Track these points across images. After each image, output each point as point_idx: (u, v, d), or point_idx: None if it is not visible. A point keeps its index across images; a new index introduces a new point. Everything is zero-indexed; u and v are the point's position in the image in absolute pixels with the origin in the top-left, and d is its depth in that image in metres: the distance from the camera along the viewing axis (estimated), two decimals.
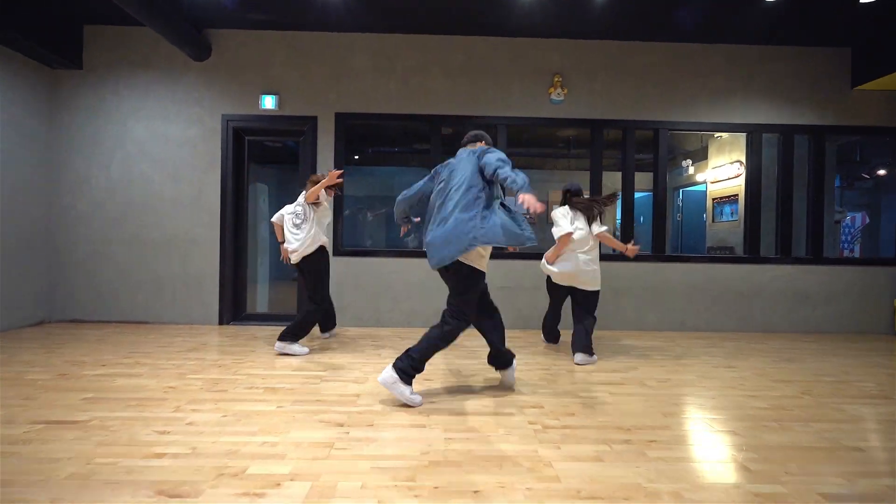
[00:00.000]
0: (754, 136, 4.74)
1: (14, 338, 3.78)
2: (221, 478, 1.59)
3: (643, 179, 5.77)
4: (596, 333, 4.33)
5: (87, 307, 4.54)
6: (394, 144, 7.16)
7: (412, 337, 4.05)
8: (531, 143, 7.61)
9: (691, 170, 7.40)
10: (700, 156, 7.19)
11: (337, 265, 4.58)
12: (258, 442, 1.88)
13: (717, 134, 6.40)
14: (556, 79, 4.62)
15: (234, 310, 4.67)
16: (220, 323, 4.57)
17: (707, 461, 1.82)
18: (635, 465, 1.74)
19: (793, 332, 4.59)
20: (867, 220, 6.07)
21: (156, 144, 4.57)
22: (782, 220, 4.72)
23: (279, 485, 1.55)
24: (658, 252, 4.70)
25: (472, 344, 3.83)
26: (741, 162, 6.02)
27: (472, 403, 2.40)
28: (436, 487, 1.55)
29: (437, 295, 4.49)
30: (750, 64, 4.69)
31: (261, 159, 7.07)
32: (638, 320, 4.64)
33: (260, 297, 5.57)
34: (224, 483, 1.56)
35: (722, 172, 6.39)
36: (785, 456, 1.85)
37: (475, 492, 1.53)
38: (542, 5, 3.99)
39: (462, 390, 2.61)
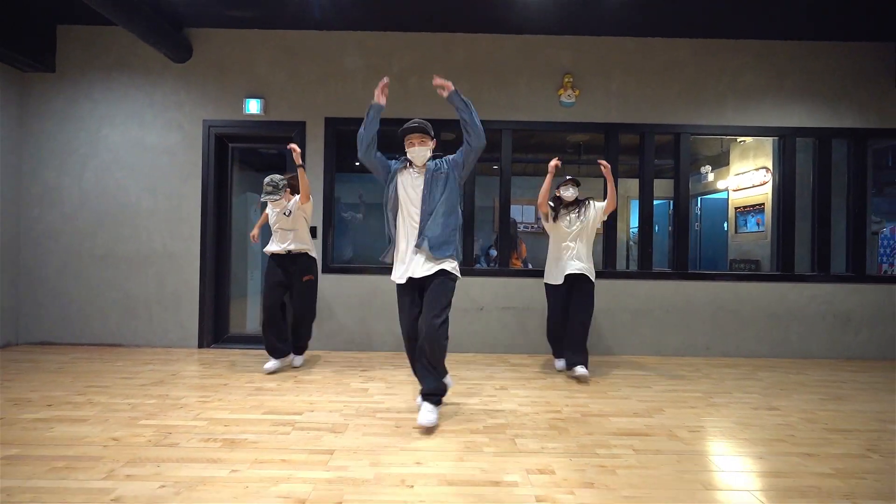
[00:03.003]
0: (787, 141, 4.28)
1: None
2: None
3: (659, 186, 5.34)
4: (611, 359, 3.92)
5: (56, 329, 4.19)
6: (395, 150, 6.77)
7: (406, 364, 3.56)
8: (538, 148, 7.20)
9: (711, 176, 6.94)
10: (721, 161, 6.72)
11: (326, 283, 4.20)
12: None
13: (740, 138, 5.95)
14: (567, 79, 4.22)
15: (215, 331, 4.30)
16: (200, 346, 4.20)
17: None
18: None
19: (833, 359, 4.11)
20: None
21: (132, 152, 4.23)
22: (820, 233, 4.25)
23: None
24: (680, 268, 4.25)
25: (472, 374, 3.41)
26: (767, 168, 5.56)
27: (468, 465, 1.97)
28: None
29: None
30: (782, 61, 4.25)
31: (256, 166, 6.73)
32: (657, 344, 4.19)
33: (250, 314, 5.22)
34: None
35: (746, 179, 5.92)
36: None
37: None
38: None
39: (459, 440, 2.19)
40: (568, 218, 3.37)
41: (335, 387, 3.09)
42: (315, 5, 3.83)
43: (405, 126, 2.48)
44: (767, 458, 2.11)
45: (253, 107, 4.19)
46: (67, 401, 2.71)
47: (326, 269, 4.21)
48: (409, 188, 2.47)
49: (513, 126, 4.25)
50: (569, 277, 3.30)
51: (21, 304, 4.19)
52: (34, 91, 4.22)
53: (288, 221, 3.42)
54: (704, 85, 4.26)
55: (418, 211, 2.44)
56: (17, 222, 4.19)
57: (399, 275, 2.46)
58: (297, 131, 4.23)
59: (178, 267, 4.22)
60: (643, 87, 4.26)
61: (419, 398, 2.50)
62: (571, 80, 4.22)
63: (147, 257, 4.22)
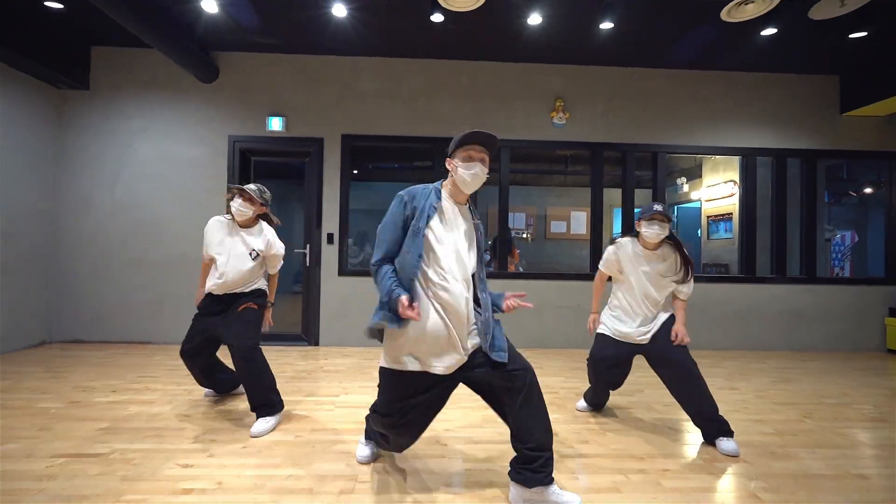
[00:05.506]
0: (748, 160, 4.89)
1: (17, 361, 3.75)
2: None
3: (641, 196, 5.90)
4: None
5: (89, 327, 4.51)
6: (394, 161, 7.26)
7: None
8: (528, 158, 7.74)
9: (686, 187, 7.57)
10: (695, 174, 7.36)
11: (342, 285, 4.62)
12: (283, 475, 1.91)
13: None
14: (559, 103, 4.74)
15: None
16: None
17: (720, 491, 1.88)
18: (653, 496, 1.80)
19: (790, 351, 4.70)
20: (856, 239, 6.25)
21: (161, 165, 4.59)
22: (777, 241, 4.85)
23: None
24: None
25: None
26: (734, 181, 6.19)
27: (488, 430, 2.44)
28: None
29: None
30: (745, 90, 4.86)
31: (263, 175, 7.11)
32: None
33: None
34: None
35: (716, 191, 6.55)
36: (794, 484, 1.92)
37: None
38: (547, 33, 4.11)
39: (477, 414, 2.65)
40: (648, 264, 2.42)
41: (360, 375, 3.51)
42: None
43: (469, 133, 1.75)
44: None
45: (275, 124, 4.60)
46: (128, 387, 3.08)
47: (342, 273, 4.63)
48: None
49: (511, 144, 4.76)
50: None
51: (55, 306, 4.50)
52: (70, 107, 4.55)
53: (248, 264, 2.53)
54: (678, 110, 4.84)
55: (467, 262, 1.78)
56: (54, 229, 4.50)
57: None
58: (315, 146, 4.66)
59: None
60: (625, 110, 4.81)
61: None
62: (562, 103, 4.75)
63: (175, 262, 4.57)
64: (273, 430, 2.39)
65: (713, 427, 2.31)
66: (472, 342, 1.74)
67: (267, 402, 2.44)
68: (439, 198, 1.79)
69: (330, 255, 4.65)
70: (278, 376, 3.43)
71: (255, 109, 4.64)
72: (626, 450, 2.23)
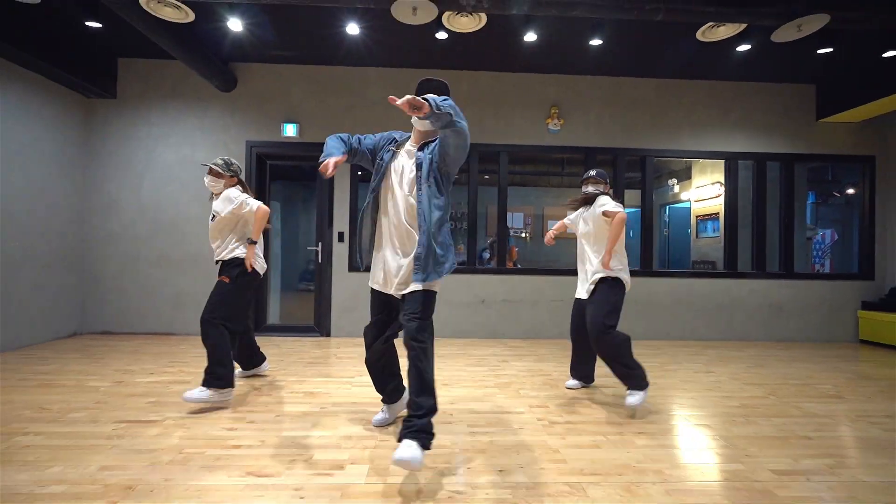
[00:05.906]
0: (731, 163, 5.24)
1: (56, 349, 4.08)
2: (294, 462, 1.96)
3: (632, 196, 6.25)
4: None
5: (116, 320, 4.85)
6: None
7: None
8: (526, 161, 8.09)
9: (676, 188, 7.91)
10: (684, 175, 7.71)
11: (353, 280, 4.96)
12: (315, 436, 2.25)
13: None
14: (553, 110, 5.09)
15: (255, 321, 5.00)
16: None
17: (684, 448, 2.22)
18: (626, 451, 2.14)
19: (768, 341, 5.05)
20: (836, 237, 6.59)
21: (183, 168, 4.92)
22: (757, 239, 5.20)
23: (342, 467, 1.93)
24: (646, 267, 5.14)
25: (479, 353, 4.22)
26: (721, 183, 6.54)
27: (488, 404, 2.78)
28: (469, 468, 1.94)
29: (453, 311, 4.88)
30: (728, 98, 5.20)
31: (278, 177, 7.45)
32: (627, 330, 5.04)
33: (272, 309, 5.91)
34: (298, 466, 1.93)
35: (704, 192, 6.89)
36: (747, 443, 2.27)
37: (500, 471, 1.92)
38: (543, 45, 4.44)
39: (478, 391, 2.99)
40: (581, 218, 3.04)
41: None
42: None
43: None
44: (697, 398, 2.97)
45: (290, 130, 4.94)
46: (163, 370, 3.42)
47: (352, 269, 4.97)
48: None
49: (508, 149, 5.10)
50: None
51: (85, 300, 4.83)
52: (98, 115, 4.89)
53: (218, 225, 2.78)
54: (665, 116, 5.18)
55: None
56: (83, 229, 4.84)
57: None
58: None
59: None
60: (616, 117, 5.15)
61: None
62: (557, 111, 5.09)
63: (196, 258, 4.90)
64: (201, 402, 2.52)
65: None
66: (416, 279, 2.02)
67: (209, 373, 2.56)
68: (398, 139, 2.25)
69: (340, 252, 4.99)
70: (295, 362, 3.79)
71: (271, 116, 4.98)
72: (608, 419, 2.57)
